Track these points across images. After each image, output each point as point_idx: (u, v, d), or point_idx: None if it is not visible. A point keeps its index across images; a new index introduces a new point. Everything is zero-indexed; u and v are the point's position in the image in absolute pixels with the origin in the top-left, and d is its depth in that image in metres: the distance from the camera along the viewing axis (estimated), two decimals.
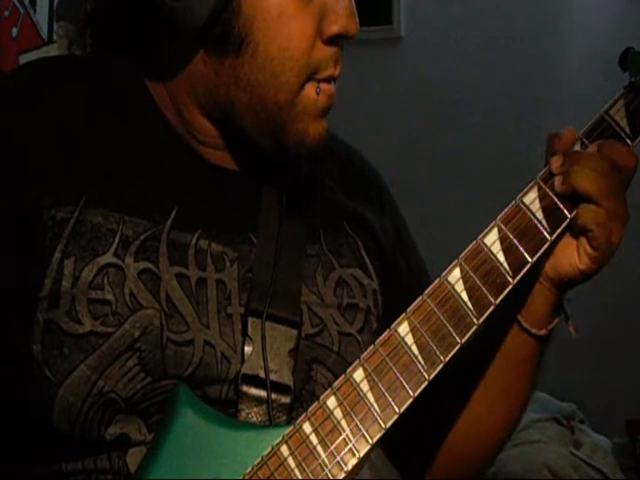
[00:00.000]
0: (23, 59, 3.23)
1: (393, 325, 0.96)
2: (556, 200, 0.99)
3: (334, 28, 0.99)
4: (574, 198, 0.99)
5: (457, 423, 1.15)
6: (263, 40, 0.97)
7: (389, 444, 1.03)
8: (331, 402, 0.94)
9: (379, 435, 0.93)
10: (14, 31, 3.28)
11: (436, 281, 0.97)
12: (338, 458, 0.92)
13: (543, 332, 1.07)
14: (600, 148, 1.01)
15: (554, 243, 1.00)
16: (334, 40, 1.00)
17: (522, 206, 0.99)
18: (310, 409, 0.94)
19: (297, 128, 1.01)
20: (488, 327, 1.02)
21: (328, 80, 1.02)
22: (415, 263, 1.23)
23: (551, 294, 1.06)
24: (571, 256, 1.02)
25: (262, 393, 0.98)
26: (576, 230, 1.01)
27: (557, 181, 1.00)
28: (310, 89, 1.00)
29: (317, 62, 1.00)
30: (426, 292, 0.97)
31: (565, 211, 1.00)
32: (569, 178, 0.99)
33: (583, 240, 1.01)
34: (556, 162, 1.00)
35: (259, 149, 1.04)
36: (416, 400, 0.94)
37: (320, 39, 0.99)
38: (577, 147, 1.02)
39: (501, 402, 1.14)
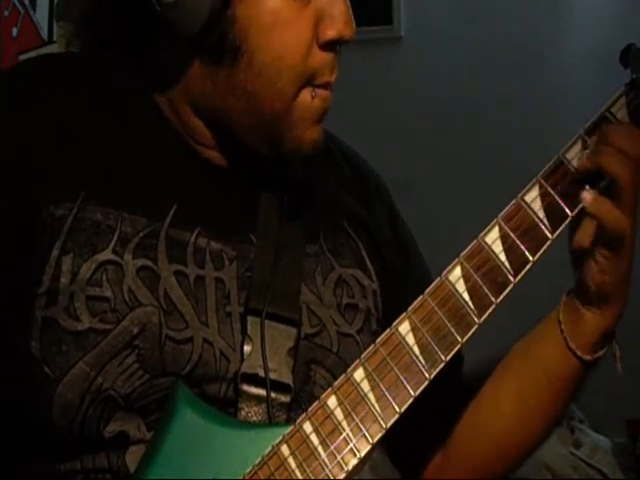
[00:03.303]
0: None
1: (394, 324, 0.96)
2: (557, 198, 0.99)
3: (330, 33, 0.99)
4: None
5: (489, 427, 1.13)
6: (258, 49, 0.97)
7: (390, 443, 1.03)
8: (332, 402, 0.93)
9: (380, 435, 0.93)
10: (14, 31, 3.28)
11: (437, 280, 0.97)
12: (339, 458, 0.92)
13: (587, 357, 1.05)
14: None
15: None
16: (330, 45, 1.00)
17: (523, 204, 0.99)
18: (310, 409, 0.94)
19: (293, 135, 1.01)
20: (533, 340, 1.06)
21: (324, 86, 1.02)
22: (416, 262, 1.23)
23: (602, 318, 1.03)
24: (589, 264, 1.01)
25: (261, 392, 0.98)
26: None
27: (585, 157, 0.98)
28: (306, 94, 1.00)
29: (313, 69, 1.00)
30: (427, 291, 0.97)
31: (566, 209, 0.99)
32: (597, 156, 0.97)
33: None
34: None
35: (255, 153, 1.04)
36: (418, 400, 0.94)
37: (316, 44, 0.99)
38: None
39: (535, 415, 1.12)
